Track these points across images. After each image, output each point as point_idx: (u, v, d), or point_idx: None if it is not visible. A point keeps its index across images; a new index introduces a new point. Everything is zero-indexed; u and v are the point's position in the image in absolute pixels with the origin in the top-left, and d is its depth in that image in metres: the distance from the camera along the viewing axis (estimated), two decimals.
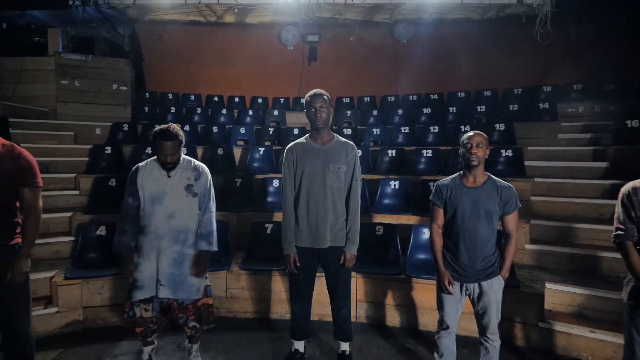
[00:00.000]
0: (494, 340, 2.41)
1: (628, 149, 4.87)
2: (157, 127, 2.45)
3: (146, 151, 5.78)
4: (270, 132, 6.95)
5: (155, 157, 2.57)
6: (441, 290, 2.44)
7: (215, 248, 2.60)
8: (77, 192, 4.93)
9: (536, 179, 4.91)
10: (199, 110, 7.75)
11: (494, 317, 2.38)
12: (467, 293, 2.42)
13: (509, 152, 5.29)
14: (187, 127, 6.75)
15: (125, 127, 6.60)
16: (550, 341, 3.11)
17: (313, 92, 2.65)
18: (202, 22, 8.62)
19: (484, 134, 2.37)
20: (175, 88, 8.55)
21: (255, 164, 5.87)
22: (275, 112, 7.76)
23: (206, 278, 2.67)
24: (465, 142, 2.35)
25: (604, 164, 4.97)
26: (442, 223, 2.47)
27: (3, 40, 7.13)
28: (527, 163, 5.31)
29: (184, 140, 2.52)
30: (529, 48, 7.01)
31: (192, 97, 8.41)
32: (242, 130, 6.84)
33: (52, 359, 2.92)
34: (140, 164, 2.61)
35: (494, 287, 2.35)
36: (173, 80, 8.72)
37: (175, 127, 2.47)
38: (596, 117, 6.33)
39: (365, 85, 8.78)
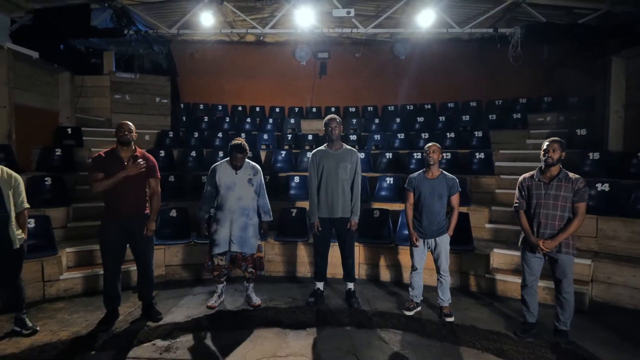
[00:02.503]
0: (446, 276, 3.78)
1: (574, 153, 6.15)
2: (233, 142, 3.81)
3: (191, 154, 7.23)
4: (289, 138, 8.34)
5: (227, 159, 3.95)
6: (411, 245, 3.82)
7: (271, 218, 4.10)
8: None
9: (502, 176, 6.21)
10: (227, 119, 9.16)
11: (445, 260, 3.75)
12: (428, 246, 3.79)
13: (482, 155, 6.62)
14: (220, 134, 8.20)
15: (171, 134, 8.04)
16: (493, 287, 4.47)
17: (330, 116, 4.01)
18: (227, 41, 9.95)
19: (438, 144, 3.75)
20: (205, 99, 9.98)
21: (278, 165, 7.26)
22: (292, 121, 9.13)
23: (259, 239, 4.06)
24: (426, 149, 3.73)
25: None
26: (412, 202, 3.85)
27: (66, 60, 8.52)
28: (497, 163, 6.63)
29: (248, 153, 3.90)
30: (510, 65, 8.18)
31: (220, 108, 9.81)
32: (265, 136, 8.24)
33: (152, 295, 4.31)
34: (217, 164, 3.99)
35: (444, 241, 3.73)
36: (203, 92, 10.11)
37: (244, 143, 3.83)
38: (560, 125, 7.60)
39: (369, 96, 10.07)
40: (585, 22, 7.28)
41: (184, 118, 9.05)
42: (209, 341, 3.32)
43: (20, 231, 3.35)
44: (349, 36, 9.50)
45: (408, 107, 9.56)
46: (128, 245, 3.66)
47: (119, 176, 3.45)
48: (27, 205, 3.44)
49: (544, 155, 3.29)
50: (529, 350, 3.12)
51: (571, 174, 3.27)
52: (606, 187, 4.96)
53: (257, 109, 9.91)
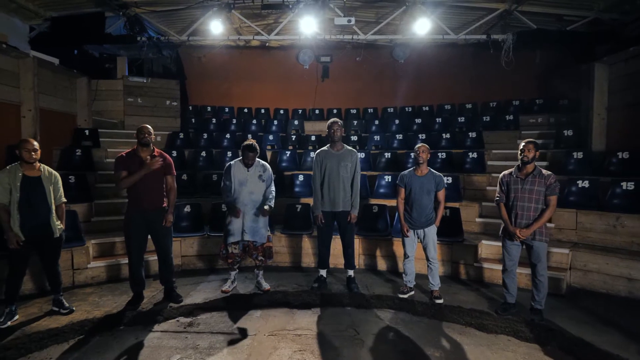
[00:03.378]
0: (434, 263, 4.23)
1: (560, 152, 6.59)
2: (245, 142, 4.26)
3: (201, 154, 7.68)
4: (293, 139, 8.78)
5: (240, 158, 4.39)
6: (403, 235, 4.26)
7: (272, 206, 4.40)
8: None
9: (492, 174, 6.59)
10: (234, 121, 9.60)
11: (432, 249, 4.20)
12: (417, 236, 4.23)
13: (475, 155, 7.04)
14: (227, 135, 8.64)
15: (181, 135, 8.49)
16: (481, 274, 4.90)
17: (332, 119, 4.44)
18: (233, 46, 10.37)
19: (427, 145, 4.18)
20: (213, 102, 10.40)
21: (284, 164, 7.70)
22: (296, 122, 9.55)
23: (268, 230, 4.51)
24: (416, 149, 4.17)
25: (544, 163, 6.65)
26: (404, 197, 4.30)
27: (81, 66, 8.96)
28: (490, 162, 7.04)
29: (259, 152, 4.35)
30: (503, 69, 8.52)
31: (227, 110, 10.23)
32: (270, 137, 8.67)
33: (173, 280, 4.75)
34: (231, 163, 4.43)
35: (431, 231, 4.18)
36: (210, 95, 10.53)
37: (255, 143, 4.28)
38: (550, 126, 7.99)
39: (369, 98, 10.45)
40: (574, 29, 7.67)
41: (193, 120, 9.50)
42: (226, 318, 3.77)
43: (59, 222, 3.81)
44: (350, 41, 9.94)
45: (407, 109, 9.95)
46: (149, 235, 4.11)
47: (140, 173, 3.88)
48: (64, 199, 3.90)
49: (520, 154, 3.74)
50: (506, 325, 3.55)
51: (544, 171, 3.70)
52: (586, 183, 5.38)
53: (263, 110, 10.34)
